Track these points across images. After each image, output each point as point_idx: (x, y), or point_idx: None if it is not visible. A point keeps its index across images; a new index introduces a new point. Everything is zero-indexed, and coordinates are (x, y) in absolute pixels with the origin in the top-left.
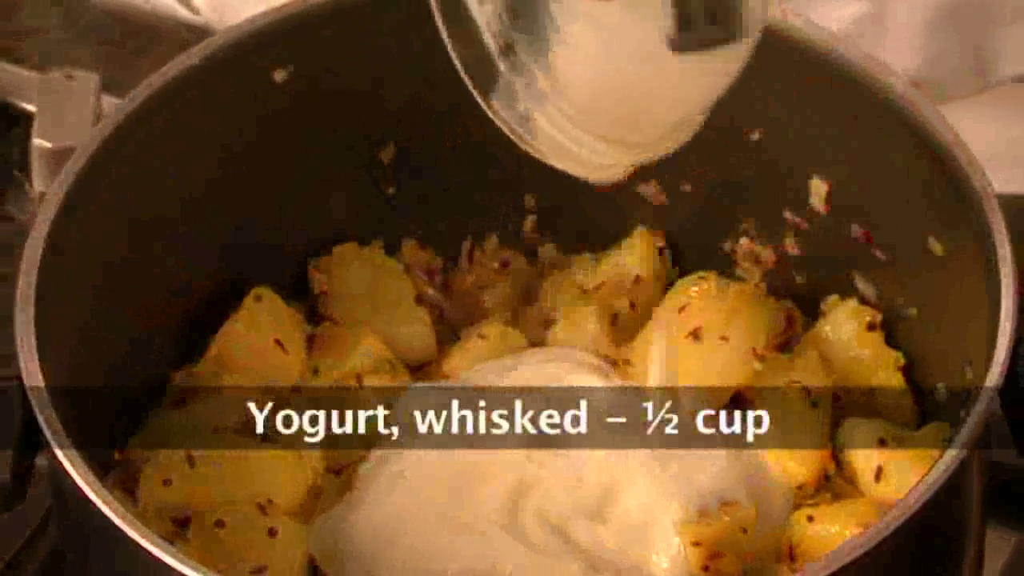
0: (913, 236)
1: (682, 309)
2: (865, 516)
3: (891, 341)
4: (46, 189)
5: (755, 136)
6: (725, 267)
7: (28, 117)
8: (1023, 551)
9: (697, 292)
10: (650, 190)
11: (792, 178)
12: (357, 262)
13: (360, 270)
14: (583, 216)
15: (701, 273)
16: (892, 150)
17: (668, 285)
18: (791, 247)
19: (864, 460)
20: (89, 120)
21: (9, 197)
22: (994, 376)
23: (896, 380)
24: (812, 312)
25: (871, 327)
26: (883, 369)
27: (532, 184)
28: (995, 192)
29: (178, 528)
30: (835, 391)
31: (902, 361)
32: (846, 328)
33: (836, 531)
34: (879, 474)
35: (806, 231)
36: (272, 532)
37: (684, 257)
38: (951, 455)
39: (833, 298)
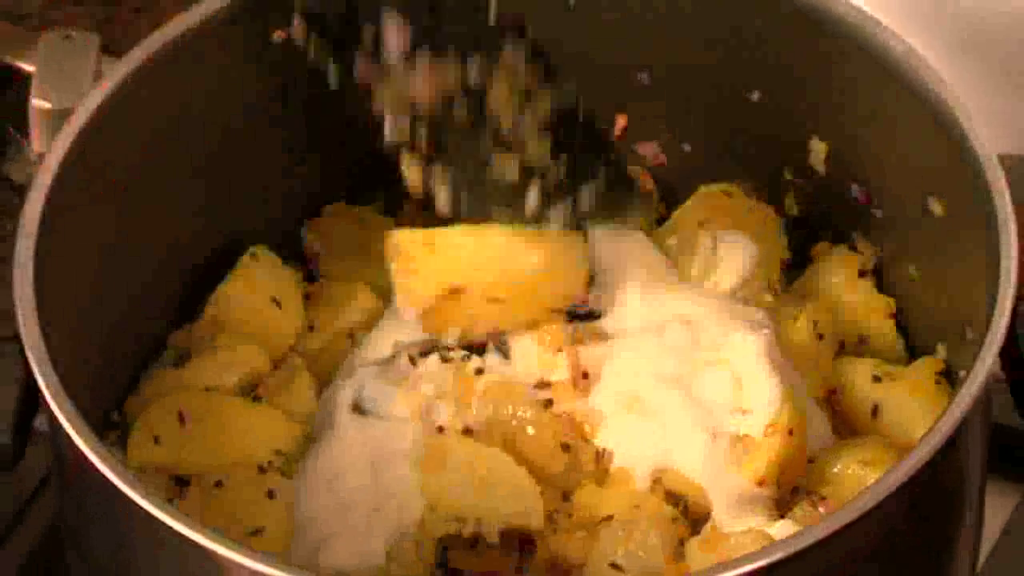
0: (913, 197)
1: (702, 224)
2: (866, 454)
3: (881, 290)
4: (45, 150)
5: (755, 96)
6: None
7: (27, 77)
8: (1022, 512)
9: (719, 208)
10: (650, 150)
11: (791, 138)
12: (349, 220)
13: (352, 228)
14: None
15: (726, 186)
16: (892, 111)
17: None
18: (791, 207)
19: (860, 398)
20: (88, 80)
21: (7, 158)
22: (995, 337)
23: (887, 327)
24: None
25: (862, 274)
26: (874, 315)
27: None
28: (996, 153)
29: (178, 488)
30: (840, 338)
31: (893, 307)
32: (837, 275)
33: (838, 471)
34: (876, 411)
35: (806, 191)
36: (271, 494)
37: None
38: (952, 415)
39: (822, 244)
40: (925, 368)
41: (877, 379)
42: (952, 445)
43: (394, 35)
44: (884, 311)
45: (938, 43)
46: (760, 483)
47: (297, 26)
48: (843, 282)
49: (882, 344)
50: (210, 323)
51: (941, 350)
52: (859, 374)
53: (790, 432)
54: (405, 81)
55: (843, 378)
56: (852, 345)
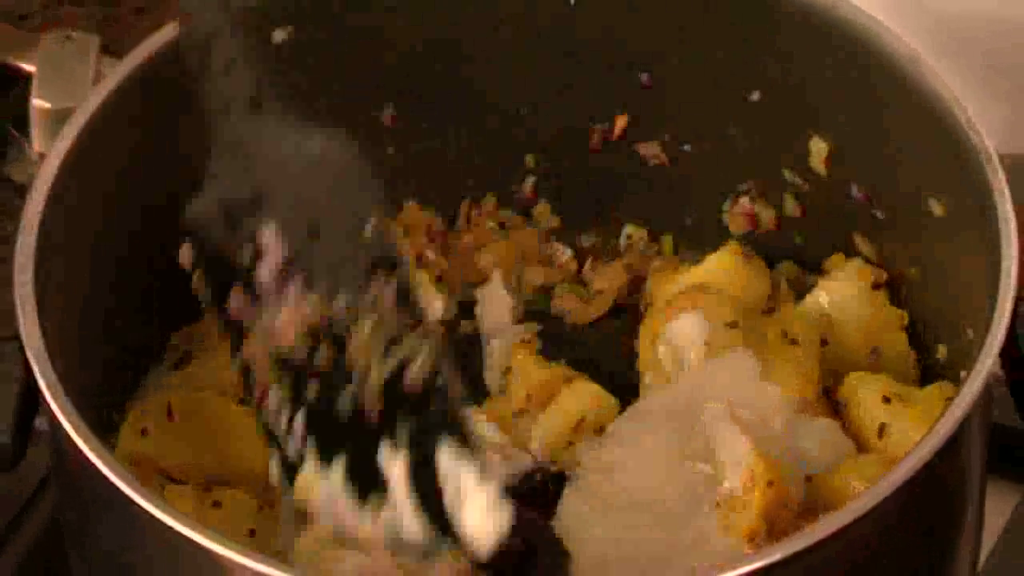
0: (913, 197)
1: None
2: (868, 471)
3: (893, 301)
4: (46, 150)
5: (755, 96)
6: (724, 226)
7: (27, 78)
8: (1023, 512)
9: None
10: (651, 150)
11: (792, 138)
12: None
13: None
14: (582, 178)
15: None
16: (892, 110)
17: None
18: (791, 208)
19: (868, 417)
20: (89, 81)
21: (8, 158)
22: (995, 337)
23: (900, 340)
24: (814, 271)
25: (876, 286)
26: (887, 329)
27: (532, 145)
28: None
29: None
30: (823, 337)
31: (906, 320)
32: (850, 287)
33: (838, 487)
34: (882, 431)
35: (806, 192)
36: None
37: (683, 215)
38: (952, 415)
39: (836, 256)
40: (936, 395)
41: (887, 400)
42: (952, 445)
43: (270, 254)
44: (897, 324)
45: (936, 43)
46: (751, 539)
47: (184, 252)
48: (856, 295)
49: (894, 357)
50: (212, 324)
51: (942, 350)
52: (870, 392)
53: (769, 483)
54: (273, 317)
55: (853, 393)
56: (864, 357)
